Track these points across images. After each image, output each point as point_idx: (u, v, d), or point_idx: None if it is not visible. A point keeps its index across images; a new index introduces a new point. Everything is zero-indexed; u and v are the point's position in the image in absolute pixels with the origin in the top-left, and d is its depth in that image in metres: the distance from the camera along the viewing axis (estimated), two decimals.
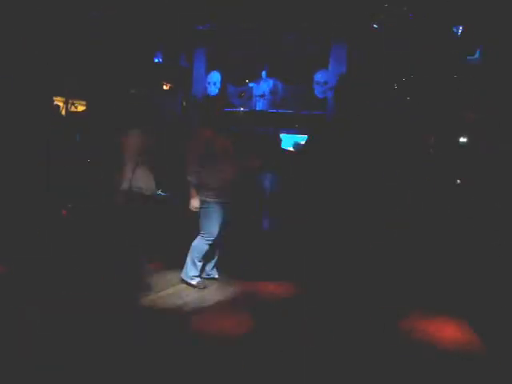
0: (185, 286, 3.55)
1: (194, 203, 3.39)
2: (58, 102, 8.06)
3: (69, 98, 7.96)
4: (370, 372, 2.49)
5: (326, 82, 7.94)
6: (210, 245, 3.47)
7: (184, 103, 9.08)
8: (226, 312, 3.22)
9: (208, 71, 9.10)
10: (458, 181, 6.20)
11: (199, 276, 3.54)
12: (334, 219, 4.37)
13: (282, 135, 5.56)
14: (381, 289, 3.66)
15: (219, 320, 3.06)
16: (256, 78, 8.90)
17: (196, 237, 3.49)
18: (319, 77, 8.15)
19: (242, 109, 8.70)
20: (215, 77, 9.02)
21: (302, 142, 5.65)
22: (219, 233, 3.45)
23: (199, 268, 3.53)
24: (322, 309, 3.30)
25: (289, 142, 6.15)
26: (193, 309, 3.21)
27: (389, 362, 2.60)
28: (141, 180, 3.29)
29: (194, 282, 3.50)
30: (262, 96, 8.70)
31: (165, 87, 9.35)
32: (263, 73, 8.79)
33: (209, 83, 9.03)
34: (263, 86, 8.80)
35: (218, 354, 2.56)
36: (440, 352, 2.76)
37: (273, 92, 8.76)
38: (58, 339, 2.58)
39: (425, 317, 3.25)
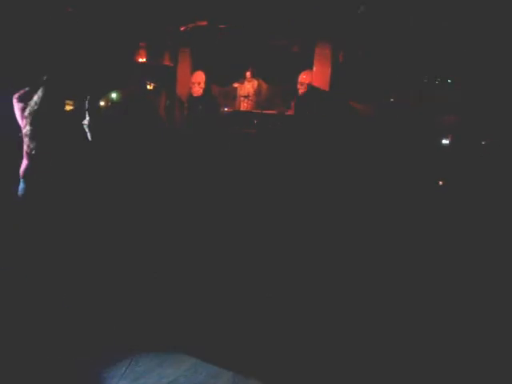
0: None
1: None
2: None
3: None
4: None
5: (310, 83, 7.89)
6: None
7: (168, 102, 9.00)
8: None
9: (192, 71, 9.01)
10: (440, 182, 6.23)
11: None
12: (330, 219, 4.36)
13: None
14: (379, 288, 3.66)
15: None
16: (240, 78, 8.85)
17: None
18: (303, 77, 8.10)
19: None
20: (199, 76, 8.93)
21: None
22: None
23: None
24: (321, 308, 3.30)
25: None
26: None
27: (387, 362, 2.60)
28: None
29: None
30: (247, 97, 8.64)
31: (148, 86, 9.27)
32: (248, 73, 8.73)
33: (193, 83, 8.92)
34: (247, 87, 8.75)
35: None
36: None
37: (257, 92, 8.71)
38: None
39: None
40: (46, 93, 3.54)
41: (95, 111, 3.77)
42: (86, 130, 3.66)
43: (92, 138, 3.65)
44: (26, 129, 3.46)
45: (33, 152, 3.43)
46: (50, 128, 3.49)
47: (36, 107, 3.48)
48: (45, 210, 3.45)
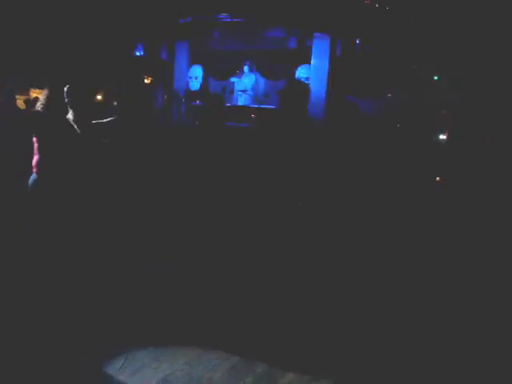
0: None
1: None
2: (36, 94, 7.91)
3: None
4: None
5: (307, 78, 7.89)
6: None
7: (165, 97, 8.98)
8: None
9: (190, 65, 8.98)
10: (437, 178, 6.25)
11: None
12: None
13: None
14: (379, 286, 3.67)
15: None
16: (238, 73, 8.81)
17: None
18: (301, 72, 8.10)
19: None
20: (197, 71, 8.91)
21: None
22: None
23: None
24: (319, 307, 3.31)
25: None
26: None
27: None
28: None
29: None
30: (244, 91, 8.62)
31: (146, 81, 9.23)
32: (245, 67, 8.70)
33: (190, 77, 8.91)
34: (245, 81, 8.72)
35: None
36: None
37: (255, 87, 8.68)
38: None
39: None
40: (53, 91, 3.56)
41: (79, 105, 3.73)
42: (73, 124, 3.64)
43: (80, 130, 3.64)
44: (36, 126, 3.52)
45: (44, 147, 3.50)
46: (58, 124, 3.54)
47: (43, 106, 3.52)
48: (54, 201, 3.52)
